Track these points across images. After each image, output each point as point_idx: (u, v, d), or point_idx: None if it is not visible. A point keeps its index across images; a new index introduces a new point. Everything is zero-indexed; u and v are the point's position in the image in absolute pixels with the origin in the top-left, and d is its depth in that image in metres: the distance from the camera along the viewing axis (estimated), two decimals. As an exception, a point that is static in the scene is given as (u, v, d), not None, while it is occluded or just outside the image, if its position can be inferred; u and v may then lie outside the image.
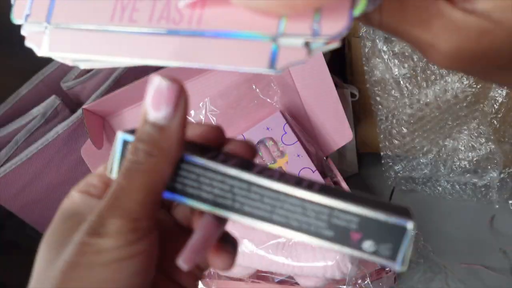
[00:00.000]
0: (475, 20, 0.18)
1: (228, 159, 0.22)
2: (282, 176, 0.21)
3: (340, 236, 0.20)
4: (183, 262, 0.20)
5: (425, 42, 0.20)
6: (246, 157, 0.24)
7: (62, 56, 0.22)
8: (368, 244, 0.20)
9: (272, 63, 0.19)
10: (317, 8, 0.18)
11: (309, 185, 0.21)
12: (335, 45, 0.18)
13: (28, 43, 0.23)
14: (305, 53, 0.18)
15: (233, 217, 0.21)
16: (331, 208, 0.20)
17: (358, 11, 0.18)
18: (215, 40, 0.20)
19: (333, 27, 0.18)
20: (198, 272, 0.25)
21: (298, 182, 0.21)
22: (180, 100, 0.20)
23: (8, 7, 0.24)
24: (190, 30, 0.20)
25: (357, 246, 0.20)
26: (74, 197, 0.23)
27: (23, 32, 0.23)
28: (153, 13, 0.21)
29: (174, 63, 0.20)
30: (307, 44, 0.19)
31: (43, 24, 0.23)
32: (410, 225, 0.19)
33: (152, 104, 0.20)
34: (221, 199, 0.21)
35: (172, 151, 0.20)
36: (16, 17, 0.23)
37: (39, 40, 0.23)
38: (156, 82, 0.20)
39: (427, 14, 0.19)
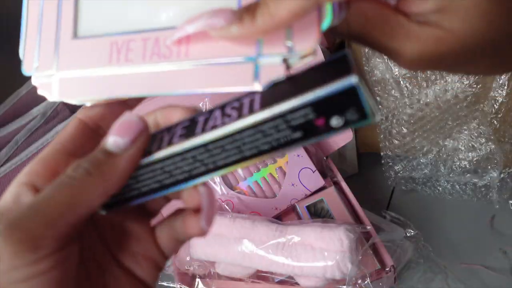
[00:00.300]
0: (430, 30, 0.21)
1: (174, 133, 0.22)
2: (225, 117, 0.21)
3: (309, 130, 0.20)
4: (205, 224, 0.22)
5: (392, 50, 0.22)
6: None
7: (71, 100, 0.25)
8: (335, 121, 0.19)
9: (255, 81, 0.21)
10: (288, 28, 0.20)
11: (251, 108, 0.21)
12: (310, 58, 0.21)
13: (40, 92, 0.25)
14: (283, 69, 0.21)
15: (215, 175, 0.22)
16: (282, 115, 0.20)
17: (325, 25, 0.20)
18: (203, 68, 0.22)
19: (305, 43, 0.20)
20: (162, 260, 0.25)
21: (240, 110, 0.21)
22: (140, 137, 0.21)
23: (8, 7, 0.24)
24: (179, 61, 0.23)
25: (329, 128, 0.20)
26: (6, 197, 0.22)
27: (34, 82, 0.26)
28: (145, 51, 0.23)
29: (167, 92, 0.23)
30: (285, 60, 0.21)
31: (51, 74, 0.25)
32: (354, 79, 0.18)
33: (113, 132, 0.21)
34: (195, 170, 0.22)
35: (113, 177, 0.21)
36: (27, 70, 0.26)
37: (49, 88, 0.25)
38: (125, 115, 0.22)
39: (390, 27, 0.21)
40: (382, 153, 0.71)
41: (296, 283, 0.56)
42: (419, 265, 0.63)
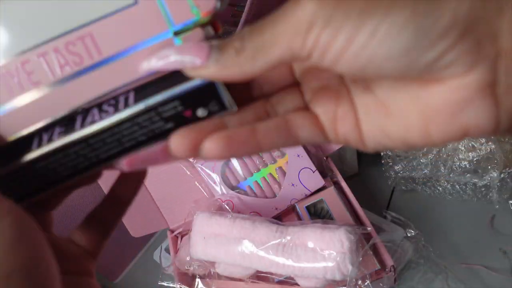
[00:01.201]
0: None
1: (53, 131, 0.22)
2: (102, 113, 0.22)
3: (179, 121, 0.22)
4: (126, 163, 0.22)
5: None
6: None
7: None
8: (201, 112, 0.22)
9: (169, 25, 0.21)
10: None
11: (126, 103, 0.22)
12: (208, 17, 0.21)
13: None
14: (202, 32, 0.21)
15: (106, 165, 0.23)
16: (154, 108, 0.21)
17: None
18: (123, 59, 0.21)
19: (207, 5, 0.21)
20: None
21: (116, 106, 0.22)
22: None
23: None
24: (95, 63, 0.21)
25: (196, 118, 0.22)
26: None
27: None
28: (51, 66, 0.21)
29: (93, 96, 0.22)
30: (197, 24, 0.21)
31: None
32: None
33: None
34: (80, 165, 0.23)
35: None
36: None
37: None
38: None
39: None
40: (382, 153, 0.71)
41: (296, 284, 0.56)
42: (419, 265, 0.63)
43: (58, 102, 0.22)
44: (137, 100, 0.22)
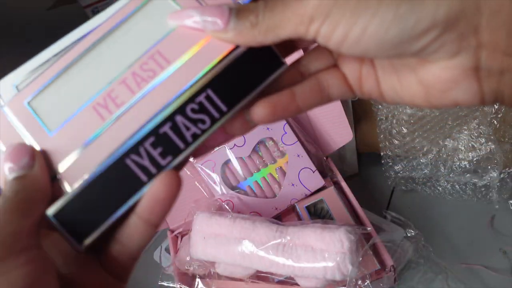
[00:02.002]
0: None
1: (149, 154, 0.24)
2: (195, 122, 0.24)
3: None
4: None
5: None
6: None
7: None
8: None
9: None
10: None
11: (216, 108, 0.23)
12: None
13: None
14: None
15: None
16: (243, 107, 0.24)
17: None
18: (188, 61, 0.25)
19: None
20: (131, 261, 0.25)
21: (208, 113, 0.23)
22: (36, 154, 0.23)
23: (8, 8, 0.24)
24: (166, 71, 0.24)
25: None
26: None
27: None
28: (130, 86, 0.24)
29: (171, 98, 0.24)
30: None
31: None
32: None
33: (5, 161, 0.22)
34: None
35: (31, 192, 0.22)
36: None
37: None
38: (11, 145, 0.23)
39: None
40: (382, 153, 0.71)
41: (296, 284, 0.56)
42: (419, 265, 0.63)
43: (142, 112, 0.24)
44: (226, 103, 0.23)
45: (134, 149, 0.22)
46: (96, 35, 0.25)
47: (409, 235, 0.62)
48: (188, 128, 0.23)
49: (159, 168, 0.22)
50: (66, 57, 0.25)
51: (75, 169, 0.23)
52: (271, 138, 0.66)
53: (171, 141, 0.23)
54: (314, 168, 0.64)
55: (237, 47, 0.24)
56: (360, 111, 0.71)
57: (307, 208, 0.64)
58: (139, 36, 0.25)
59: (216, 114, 0.23)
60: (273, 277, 0.58)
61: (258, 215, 0.63)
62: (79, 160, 0.23)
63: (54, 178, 0.23)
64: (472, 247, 0.67)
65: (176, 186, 0.22)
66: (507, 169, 0.66)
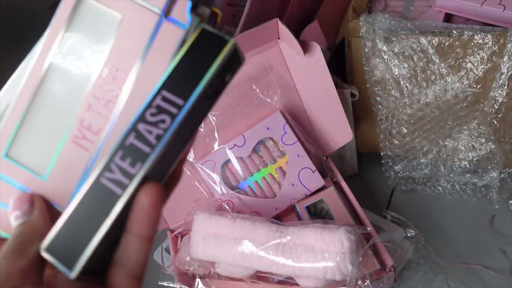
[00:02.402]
0: None
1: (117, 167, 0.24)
2: (155, 125, 0.23)
3: (218, 94, 0.25)
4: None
5: None
6: None
7: None
8: (228, 77, 0.25)
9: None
10: None
11: (175, 105, 0.23)
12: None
13: None
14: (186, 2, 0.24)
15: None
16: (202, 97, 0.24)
17: None
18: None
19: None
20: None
21: (168, 113, 0.23)
22: (34, 199, 0.24)
23: (8, 8, 0.24)
24: None
25: (225, 84, 0.25)
26: None
27: None
28: (98, 110, 0.24)
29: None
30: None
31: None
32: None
33: (10, 211, 0.24)
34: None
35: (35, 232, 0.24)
36: None
37: None
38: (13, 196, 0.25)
39: None
40: (382, 153, 0.71)
41: (296, 284, 0.56)
42: (419, 265, 0.63)
43: (120, 129, 0.24)
44: (181, 97, 0.23)
45: (106, 167, 0.23)
46: (39, 66, 0.25)
47: (409, 235, 0.62)
48: (150, 132, 0.23)
49: (130, 177, 0.22)
50: (21, 97, 0.25)
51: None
52: (271, 138, 0.66)
53: (137, 149, 0.23)
54: (314, 168, 0.64)
55: (183, 42, 0.24)
56: (360, 111, 0.71)
57: (307, 208, 0.64)
58: (82, 56, 0.24)
59: (174, 110, 0.23)
60: (273, 277, 0.58)
61: (258, 215, 0.63)
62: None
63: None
64: (472, 247, 0.67)
65: (159, 195, 0.23)
66: (507, 169, 0.66)
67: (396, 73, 0.62)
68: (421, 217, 0.71)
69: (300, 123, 0.67)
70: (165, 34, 0.24)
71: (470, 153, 0.66)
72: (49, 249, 0.22)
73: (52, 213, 0.24)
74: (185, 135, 0.24)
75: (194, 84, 0.23)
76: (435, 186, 0.72)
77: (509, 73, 0.57)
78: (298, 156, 0.65)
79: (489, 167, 0.66)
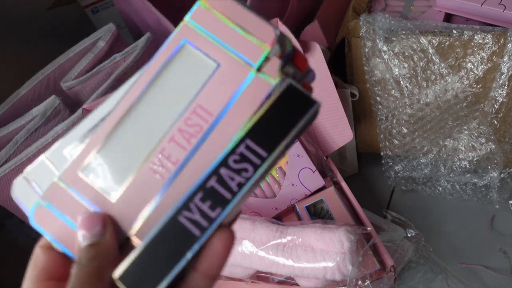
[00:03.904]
0: None
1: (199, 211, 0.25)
2: (238, 172, 0.24)
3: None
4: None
5: None
6: None
7: None
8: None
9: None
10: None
11: (257, 155, 0.24)
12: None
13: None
14: (278, 61, 0.25)
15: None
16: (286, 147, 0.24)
17: None
18: (229, 112, 0.25)
19: (268, 36, 0.25)
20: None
21: (250, 162, 0.24)
22: (106, 221, 0.24)
23: (8, 8, 0.24)
24: (211, 124, 0.25)
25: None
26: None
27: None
28: (181, 143, 0.25)
29: (221, 151, 0.25)
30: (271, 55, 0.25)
31: None
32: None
33: (79, 229, 0.24)
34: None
35: (103, 260, 0.23)
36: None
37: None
38: (83, 212, 0.24)
39: None
40: (382, 153, 0.71)
41: (296, 284, 0.56)
42: (419, 265, 0.63)
43: (197, 166, 0.25)
44: (265, 149, 0.24)
45: (185, 206, 0.23)
46: (131, 97, 0.26)
47: (409, 235, 0.62)
48: (232, 179, 0.24)
49: (210, 220, 0.23)
50: (107, 123, 0.26)
51: (142, 231, 0.24)
52: (271, 138, 0.66)
53: (218, 194, 0.23)
54: (314, 168, 0.64)
55: (269, 96, 0.25)
56: (360, 111, 0.71)
57: (307, 208, 0.64)
58: (174, 92, 0.26)
59: (257, 161, 0.24)
60: (273, 277, 0.57)
61: (258, 215, 0.63)
62: (146, 222, 0.24)
63: (124, 242, 0.24)
64: (472, 247, 0.67)
65: (231, 240, 0.23)
66: (507, 169, 0.66)
67: (396, 73, 0.62)
68: (421, 217, 0.71)
69: (300, 123, 0.67)
70: (255, 86, 0.25)
71: (470, 153, 0.66)
72: (122, 279, 0.23)
73: (118, 237, 0.24)
74: (259, 183, 0.25)
75: (279, 139, 0.24)
76: (435, 186, 0.72)
77: (509, 73, 0.57)
78: (298, 156, 0.65)
79: (489, 167, 0.66)
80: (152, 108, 0.26)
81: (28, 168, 0.26)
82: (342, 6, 0.71)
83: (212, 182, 0.24)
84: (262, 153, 0.24)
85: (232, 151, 0.24)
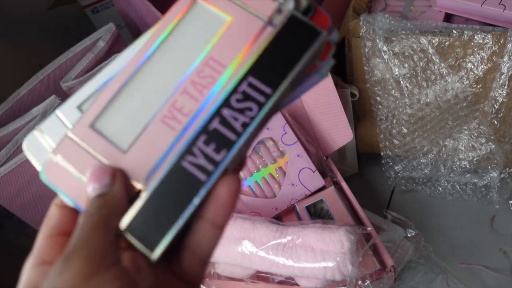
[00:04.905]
0: None
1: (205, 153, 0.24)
2: (242, 111, 0.23)
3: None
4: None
5: None
6: None
7: None
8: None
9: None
10: None
11: (261, 92, 0.23)
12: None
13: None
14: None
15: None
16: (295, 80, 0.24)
17: None
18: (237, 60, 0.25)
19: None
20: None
21: (255, 101, 0.23)
22: (116, 173, 0.24)
23: (8, 8, 0.24)
24: (222, 75, 0.24)
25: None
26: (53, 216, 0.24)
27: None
28: (193, 95, 0.24)
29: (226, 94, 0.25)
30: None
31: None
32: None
33: (88, 182, 0.23)
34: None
35: (112, 209, 0.23)
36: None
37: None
38: (93, 165, 0.24)
39: None
40: (382, 153, 0.71)
41: (296, 284, 0.56)
42: (419, 265, 0.63)
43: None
44: (270, 85, 0.23)
45: (188, 150, 0.23)
46: (144, 51, 0.26)
47: (409, 235, 0.62)
48: (236, 119, 0.23)
49: (215, 164, 0.22)
50: (120, 76, 0.25)
51: (151, 182, 0.23)
52: (271, 138, 0.66)
53: (222, 135, 0.23)
54: (314, 168, 0.64)
55: (266, 27, 0.24)
56: (360, 111, 0.71)
57: (307, 208, 0.64)
58: (187, 46, 0.25)
59: (261, 99, 0.23)
60: (273, 277, 0.57)
61: (258, 215, 0.63)
62: (156, 173, 0.23)
63: (136, 195, 0.23)
64: (472, 247, 0.67)
65: (237, 186, 0.23)
66: (507, 169, 0.66)
67: (396, 73, 0.62)
68: (421, 217, 0.71)
69: (300, 123, 0.67)
70: (266, 35, 0.24)
71: (470, 153, 0.66)
72: (129, 229, 0.22)
73: (129, 189, 0.24)
74: (265, 123, 0.24)
75: (284, 73, 0.23)
76: (435, 186, 0.72)
77: (509, 73, 0.57)
78: (298, 156, 0.65)
79: (489, 167, 0.66)
80: (166, 62, 0.25)
81: (42, 123, 0.26)
82: (342, 6, 0.71)
83: (215, 124, 0.23)
84: (266, 90, 0.23)
85: (234, 90, 0.23)
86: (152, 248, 0.22)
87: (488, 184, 0.68)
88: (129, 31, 0.83)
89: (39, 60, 0.69)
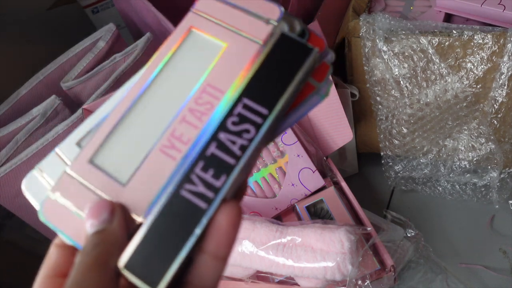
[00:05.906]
0: None
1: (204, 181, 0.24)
2: (239, 135, 0.23)
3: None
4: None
5: None
6: None
7: None
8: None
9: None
10: None
11: (258, 114, 0.23)
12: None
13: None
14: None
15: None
16: (288, 102, 0.23)
17: None
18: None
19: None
20: None
21: (252, 122, 0.23)
22: (114, 208, 0.23)
23: (8, 8, 0.24)
24: (221, 100, 0.24)
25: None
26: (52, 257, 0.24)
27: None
28: (192, 122, 0.24)
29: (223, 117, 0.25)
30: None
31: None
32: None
33: (87, 218, 0.23)
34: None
35: (110, 247, 0.22)
36: None
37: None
38: (92, 202, 0.23)
39: None
40: (382, 153, 0.71)
41: (296, 284, 0.56)
42: (419, 265, 0.63)
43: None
44: (265, 106, 0.22)
45: (186, 178, 0.22)
46: (141, 83, 0.26)
47: (409, 235, 0.62)
48: (234, 142, 0.22)
49: (216, 190, 0.21)
50: (118, 109, 0.25)
51: (150, 214, 0.23)
52: (271, 138, 0.66)
53: (220, 160, 0.22)
54: (314, 168, 0.64)
55: (261, 51, 0.24)
56: (360, 111, 0.71)
57: (307, 208, 0.64)
58: (184, 75, 0.25)
59: (258, 120, 0.22)
60: (273, 277, 0.58)
61: (258, 215, 0.63)
62: (157, 205, 0.23)
63: (136, 228, 0.23)
64: (472, 247, 0.67)
65: (238, 215, 0.22)
66: (507, 169, 0.66)
67: (396, 73, 0.62)
68: (421, 217, 0.71)
69: (300, 123, 0.67)
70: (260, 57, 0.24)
71: (470, 153, 0.66)
72: (128, 266, 0.21)
73: (130, 223, 0.23)
74: (264, 144, 0.23)
75: (278, 93, 0.22)
76: (435, 186, 0.72)
77: (509, 73, 0.57)
78: (298, 156, 0.65)
79: (489, 167, 0.66)
80: (163, 92, 0.25)
81: (41, 162, 0.26)
82: (342, 6, 0.71)
83: (212, 149, 0.22)
84: (263, 110, 0.22)
85: (229, 113, 0.23)
86: (153, 285, 0.21)
87: (488, 184, 0.68)
88: (129, 31, 0.83)
89: (39, 60, 0.69)
